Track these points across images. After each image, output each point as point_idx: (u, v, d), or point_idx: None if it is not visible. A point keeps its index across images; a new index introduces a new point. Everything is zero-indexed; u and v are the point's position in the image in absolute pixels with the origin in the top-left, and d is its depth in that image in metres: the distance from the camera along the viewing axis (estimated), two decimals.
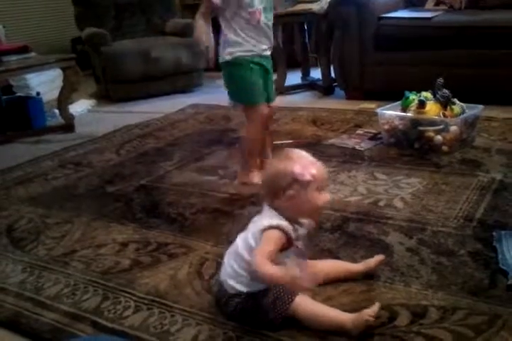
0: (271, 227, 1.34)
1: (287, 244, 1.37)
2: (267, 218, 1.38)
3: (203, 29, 2.18)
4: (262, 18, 2.18)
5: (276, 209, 1.40)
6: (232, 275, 1.41)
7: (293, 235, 1.37)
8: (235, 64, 2.21)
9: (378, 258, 1.59)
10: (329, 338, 1.32)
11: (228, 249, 1.49)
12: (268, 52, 2.28)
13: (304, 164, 1.36)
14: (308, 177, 1.34)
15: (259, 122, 2.31)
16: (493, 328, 1.31)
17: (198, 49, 2.31)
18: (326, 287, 1.52)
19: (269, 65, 2.30)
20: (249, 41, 2.19)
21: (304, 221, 1.45)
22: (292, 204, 1.37)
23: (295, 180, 1.35)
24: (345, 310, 1.37)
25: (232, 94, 2.33)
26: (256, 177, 2.29)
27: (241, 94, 2.29)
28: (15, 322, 1.53)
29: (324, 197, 1.39)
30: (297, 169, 1.35)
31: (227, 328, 1.40)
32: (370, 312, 1.32)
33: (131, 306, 1.54)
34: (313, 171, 1.36)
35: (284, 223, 1.36)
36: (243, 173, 2.39)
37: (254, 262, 1.30)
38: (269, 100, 2.33)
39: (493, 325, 1.32)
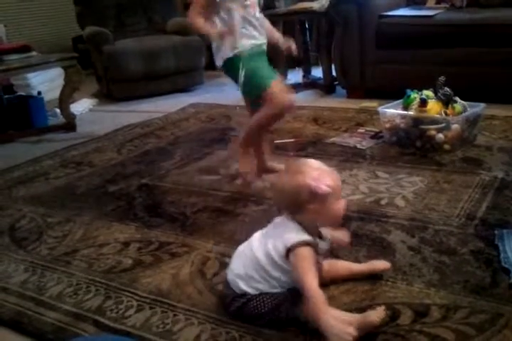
0: (302, 244, 1.33)
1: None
2: (293, 232, 1.35)
3: (207, 25, 2.16)
4: (257, 13, 2.20)
5: (298, 222, 1.38)
6: (242, 277, 1.40)
7: (317, 250, 1.37)
8: (237, 59, 2.17)
9: (385, 265, 1.57)
10: None
11: (239, 249, 1.48)
12: (264, 47, 2.28)
13: (318, 176, 1.34)
14: (325, 189, 1.32)
15: (277, 110, 2.17)
16: (495, 327, 1.31)
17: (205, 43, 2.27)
18: (328, 286, 1.52)
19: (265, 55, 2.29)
20: (246, 35, 2.17)
21: (327, 234, 1.45)
22: (315, 217, 1.36)
23: (314, 195, 1.33)
24: (347, 310, 1.38)
25: (246, 88, 2.20)
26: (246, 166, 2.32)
27: (254, 81, 2.16)
28: (17, 321, 1.53)
29: (343, 204, 1.39)
30: (313, 183, 1.32)
31: (230, 327, 1.40)
32: (377, 314, 1.31)
33: (133, 305, 1.54)
34: (329, 182, 1.34)
35: (311, 239, 1.35)
36: (243, 162, 2.38)
37: (307, 286, 1.29)
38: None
39: (496, 324, 1.32)
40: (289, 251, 1.33)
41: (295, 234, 1.35)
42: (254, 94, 2.20)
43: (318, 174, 1.35)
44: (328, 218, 1.39)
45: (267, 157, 2.45)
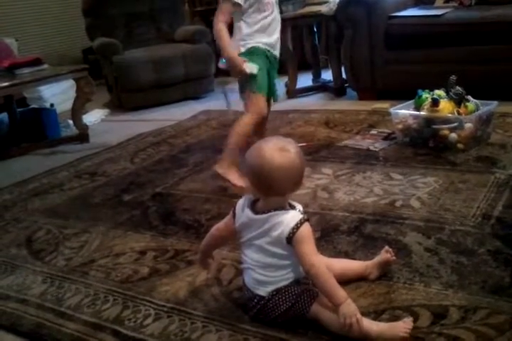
0: (296, 228, 1.32)
1: None
2: (285, 220, 1.34)
3: (239, 59, 2.29)
4: (275, 11, 2.33)
5: (270, 201, 1.38)
6: (254, 283, 1.42)
7: (305, 216, 1.37)
8: (248, 54, 2.32)
9: (384, 248, 1.59)
10: None
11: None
12: (277, 52, 2.36)
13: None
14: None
15: (256, 117, 2.38)
16: None
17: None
18: (345, 289, 1.50)
19: (275, 63, 2.39)
20: (263, 32, 2.32)
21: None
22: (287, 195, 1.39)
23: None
24: (364, 313, 1.36)
25: (241, 84, 2.43)
26: (234, 176, 2.38)
27: (249, 80, 2.35)
28: (37, 333, 1.54)
29: None
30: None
31: (248, 334, 1.40)
32: (406, 326, 1.29)
33: (151, 314, 1.55)
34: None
35: (296, 214, 1.36)
36: (223, 163, 2.46)
37: (313, 265, 1.31)
38: (269, 98, 2.42)
39: None
40: (290, 237, 1.33)
41: (288, 220, 1.34)
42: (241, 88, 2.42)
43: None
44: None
45: None
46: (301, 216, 1.35)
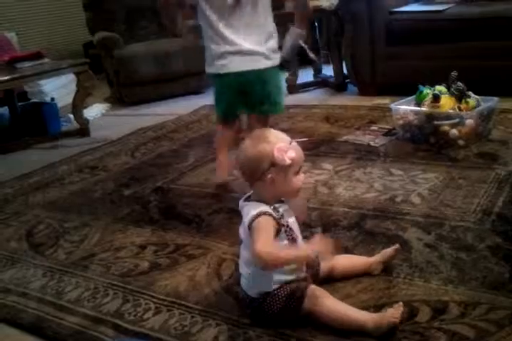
0: (254, 218, 1.33)
1: (278, 226, 1.35)
2: (252, 209, 1.36)
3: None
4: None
5: (256, 191, 1.40)
6: (247, 284, 1.43)
7: (275, 215, 1.36)
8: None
9: (393, 247, 1.59)
10: (349, 337, 1.31)
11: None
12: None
13: (283, 147, 1.35)
14: (287, 161, 1.34)
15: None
16: None
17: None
18: (345, 284, 1.52)
19: None
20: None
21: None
22: (272, 187, 1.37)
23: (274, 164, 1.34)
24: (364, 308, 1.38)
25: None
26: (219, 177, 2.33)
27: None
28: (37, 326, 1.55)
29: (301, 178, 1.41)
30: (276, 153, 1.33)
31: (248, 328, 1.40)
32: (395, 313, 1.30)
33: (151, 308, 1.55)
34: (292, 154, 1.35)
35: (263, 208, 1.35)
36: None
37: (254, 251, 1.29)
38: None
39: None
40: (250, 228, 1.34)
41: (253, 210, 1.35)
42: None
43: (283, 145, 1.35)
44: (286, 190, 1.40)
45: None
46: (265, 210, 1.35)
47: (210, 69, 2.21)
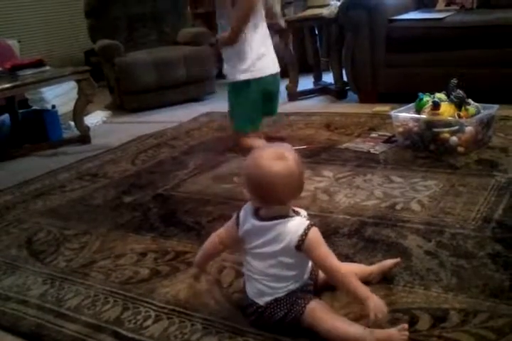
0: (307, 230, 1.32)
1: None
2: (291, 227, 1.34)
3: None
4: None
5: (277, 207, 1.37)
6: (253, 290, 1.43)
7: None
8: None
9: (394, 260, 1.59)
10: None
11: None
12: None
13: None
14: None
15: None
16: None
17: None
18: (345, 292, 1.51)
19: None
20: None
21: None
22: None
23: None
24: (363, 316, 1.36)
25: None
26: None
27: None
28: (37, 334, 1.54)
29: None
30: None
31: (248, 336, 1.40)
32: (401, 334, 1.28)
33: (151, 316, 1.55)
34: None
35: (302, 220, 1.36)
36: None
37: (337, 268, 1.32)
38: None
39: None
40: (301, 242, 1.32)
41: (295, 226, 1.33)
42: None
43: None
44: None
45: None
46: (307, 222, 1.34)
47: (242, 77, 2.22)
